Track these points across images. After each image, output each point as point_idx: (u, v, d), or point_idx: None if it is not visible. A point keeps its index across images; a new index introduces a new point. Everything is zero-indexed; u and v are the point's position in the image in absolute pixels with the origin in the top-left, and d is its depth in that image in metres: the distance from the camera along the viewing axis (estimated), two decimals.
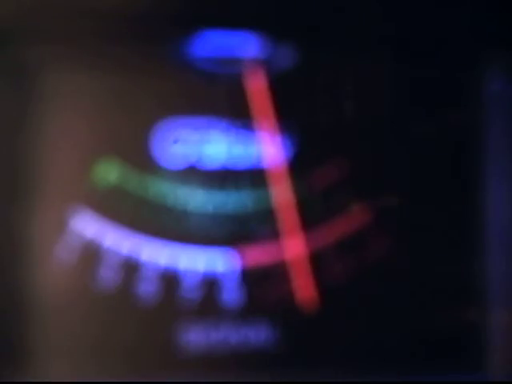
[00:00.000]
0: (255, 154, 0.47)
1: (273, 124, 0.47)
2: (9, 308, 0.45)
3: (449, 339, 0.48)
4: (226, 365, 0.47)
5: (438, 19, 0.47)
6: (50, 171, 0.45)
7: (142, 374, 0.46)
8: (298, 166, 0.47)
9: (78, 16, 0.44)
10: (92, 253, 0.46)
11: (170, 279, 0.47)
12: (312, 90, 0.48)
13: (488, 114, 0.49)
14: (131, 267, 0.46)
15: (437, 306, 0.48)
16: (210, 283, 0.47)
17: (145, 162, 0.47)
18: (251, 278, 0.47)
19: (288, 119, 0.47)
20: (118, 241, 0.46)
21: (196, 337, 0.47)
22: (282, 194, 0.47)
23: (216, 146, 0.47)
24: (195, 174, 0.47)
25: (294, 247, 0.47)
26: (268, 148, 0.47)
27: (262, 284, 0.47)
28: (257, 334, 0.47)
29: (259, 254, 0.47)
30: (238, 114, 0.47)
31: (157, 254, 0.46)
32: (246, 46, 0.47)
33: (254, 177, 0.47)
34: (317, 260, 0.47)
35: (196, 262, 0.47)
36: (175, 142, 0.47)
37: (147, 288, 0.46)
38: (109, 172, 0.46)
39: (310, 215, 0.47)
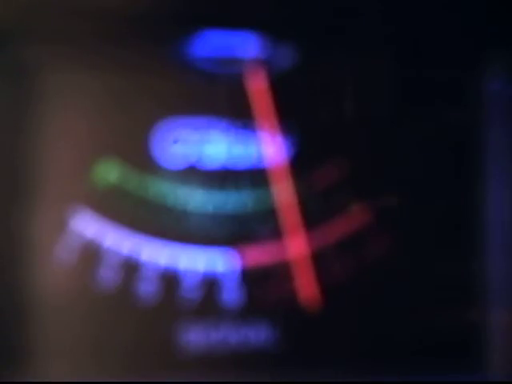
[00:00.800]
0: (255, 154, 0.47)
1: (273, 124, 0.47)
2: (9, 308, 0.45)
3: (449, 339, 0.48)
4: (225, 365, 0.47)
5: (438, 19, 0.47)
6: (50, 171, 0.45)
7: (142, 374, 0.46)
8: (298, 166, 0.47)
9: (78, 16, 0.44)
10: (92, 253, 0.46)
11: (170, 279, 0.47)
12: (312, 90, 0.48)
13: (488, 113, 0.49)
14: (131, 267, 0.46)
15: (437, 306, 0.48)
16: (210, 283, 0.47)
17: (145, 162, 0.47)
18: (251, 277, 0.47)
19: (288, 119, 0.47)
20: (118, 241, 0.46)
21: (196, 337, 0.47)
22: (282, 194, 0.47)
23: (216, 145, 0.47)
24: (195, 174, 0.47)
25: (293, 247, 0.47)
26: (268, 148, 0.47)
27: (262, 284, 0.47)
28: (257, 334, 0.47)
29: (259, 254, 0.47)
30: (238, 114, 0.47)
31: (157, 253, 0.46)
32: (246, 46, 0.47)
33: (254, 177, 0.47)
34: (317, 260, 0.47)
35: (196, 261, 0.47)
36: (175, 142, 0.47)
37: (147, 288, 0.46)
38: (109, 172, 0.46)
39: (310, 215, 0.47)
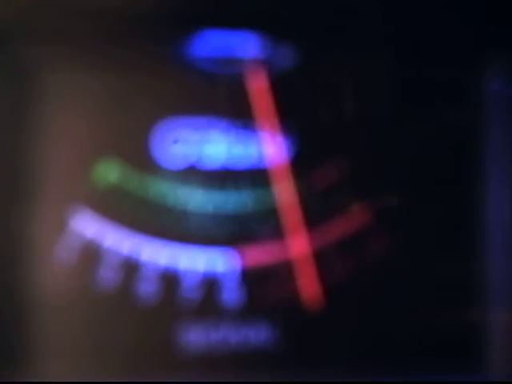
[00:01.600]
0: (255, 154, 0.47)
1: (273, 124, 0.47)
2: (9, 308, 0.45)
3: (449, 339, 0.48)
4: (225, 365, 0.47)
5: (438, 19, 0.47)
6: (50, 171, 0.45)
7: (142, 373, 0.46)
8: (298, 166, 0.47)
9: (78, 16, 0.44)
10: (92, 253, 0.46)
11: (170, 279, 0.47)
12: (312, 90, 0.48)
13: (488, 113, 0.49)
14: (131, 267, 0.46)
15: (437, 306, 0.48)
16: (210, 283, 0.47)
17: (145, 162, 0.47)
18: (251, 277, 0.47)
19: (288, 119, 0.47)
20: (118, 241, 0.46)
21: (196, 337, 0.47)
22: (282, 194, 0.47)
23: (216, 145, 0.47)
24: (195, 174, 0.47)
25: (293, 247, 0.47)
26: (268, 148, 0.47)
27: (262, 284, 0.47)
28: (257, 334, 0.47)
29: (259, 254, 0.47)
30: (238, 114, 0.47)
31: (157, 253, 0.46)
32: (247, 46, 0.47)
33: (254, 177, 0.47)
34: (317, 260, 0.47)
35: (196, 261, 0.47)
36: (175, 142, 0.47)
37: (147, 288, 0.46)
38: (109, 172, 0.46)
39: (310, 215, 0.47)
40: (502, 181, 0.49)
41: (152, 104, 0.46)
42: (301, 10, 0.46)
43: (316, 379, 0.47)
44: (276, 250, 0.47)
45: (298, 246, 0.47)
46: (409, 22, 0.47)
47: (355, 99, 0.48)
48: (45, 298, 0.45)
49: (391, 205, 0.48)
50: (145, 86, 0.46)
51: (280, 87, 0.47)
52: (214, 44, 0.47)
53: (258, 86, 0.47)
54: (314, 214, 0.47)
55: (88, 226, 0.46)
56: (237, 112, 0.47)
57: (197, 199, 0.47)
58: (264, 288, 0.47)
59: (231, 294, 0.47)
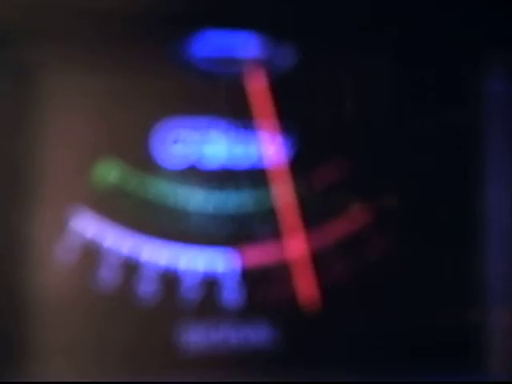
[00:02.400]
0: (255, 154, 0.47)
1: (273, 124, 0.47)
2: (9, 308, 0.45)
3: (449, 339, 0.48)
4: (226, 365, 0.47)
5: (439, 19, 0.47)
6: (50, 171, 0.45)
7: (142, 373, 0.46)
8: (297, 166, 0.47)
9: (78, 16, 0.44)
10: (92, 253, 0.46)
11: (170, 279, 0.47)
12: (312, 90, 0.48)
13: (489, 114, 0.49)
14: (131, 267, 0.46)
15: (437, 306, 0.48)
16: (210, 283, 0.47)
17: (145, 162, 0.47)
18: (251, 278, 0.47)
19: (288, 119, 0.47)
20: (117, 241, 0.46)
21: (196, 337, 0.47)
22: (281, 194, 0.47)
23: (216, 145, 0.47)
24: (195, 174, 0.47)
25: (293, 247, 0.47)
26: (268, 148, 0.47)
27: (262, 284, 0.47)
28: (257, 334, 0.47)
29: (259, 254, 0.47)
30: (238, 114, 0.47)
31: (157, 253, 0.46)
32: (246, 46, 0.47)
33: (254, 177, 0.47)
34: (316, 260, 0.47)
35: (196, 262, 0.47)
36: (175, 142, 0.47)
37: (147, 288, 0.46)
38: (109, 172, 0.46)
39: (310, 215, 0.47)
40: (503, 181, 0.49)
41: (152, 104, 0.46)
42: (301, 10, 0.46)
43: (316, 379, 0.47)
44: (276, 250, 0.47)
45: (299, 246, 0.47)
46: (409, 22, 0.47)
47: (355, 99, 0.48)
48: (45, 297, 0.45)
49: (391, 205, 0.48)
50: (145, 86, 0.46)
51: (280, 87, 0.47)
52: (213, 44, 0.47)
53: (258, 86, 0.47)
54: (314, 214, 0.47)
55: (88, 226, 0.46)
56: (236, 112, 0.47)
57: (197, 199, 0.47)
58: (264, 288, 0.47)
59: (231, 294, 0.47)
